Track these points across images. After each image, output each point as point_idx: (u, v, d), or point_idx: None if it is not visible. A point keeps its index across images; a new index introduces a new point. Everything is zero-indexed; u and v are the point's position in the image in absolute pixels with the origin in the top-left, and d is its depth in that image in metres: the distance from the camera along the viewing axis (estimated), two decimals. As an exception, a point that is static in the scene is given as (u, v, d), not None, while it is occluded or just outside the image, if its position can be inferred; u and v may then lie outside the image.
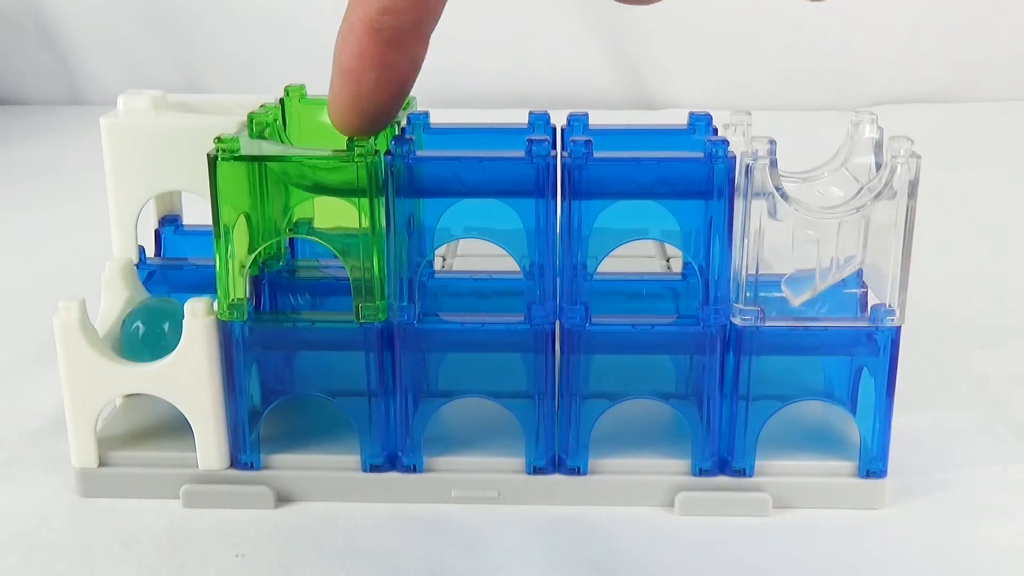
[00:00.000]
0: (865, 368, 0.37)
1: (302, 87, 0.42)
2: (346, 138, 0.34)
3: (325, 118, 0.33)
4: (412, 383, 0.37)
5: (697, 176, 0.34)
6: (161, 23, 1.01)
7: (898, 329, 0.36)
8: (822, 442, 0.39)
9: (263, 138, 0.37)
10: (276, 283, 0.40)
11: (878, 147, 0.38)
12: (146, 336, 0.38)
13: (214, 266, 0.35)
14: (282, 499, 0.38)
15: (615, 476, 0.37)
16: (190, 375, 0.36)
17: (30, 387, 0.46)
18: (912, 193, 0.34)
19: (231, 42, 1.01)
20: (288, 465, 0.38)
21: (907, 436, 0.41)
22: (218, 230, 0.35)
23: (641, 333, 0.36)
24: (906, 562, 0.35)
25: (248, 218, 0.35)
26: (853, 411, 0.38)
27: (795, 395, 0.38)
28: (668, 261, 0.50)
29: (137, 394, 0.39)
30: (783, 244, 0.35)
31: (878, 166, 0.37)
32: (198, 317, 0.36)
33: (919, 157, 0.34)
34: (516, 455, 0.37)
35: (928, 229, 0.41)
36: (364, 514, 0.37)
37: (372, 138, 0.34)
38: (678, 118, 0.41)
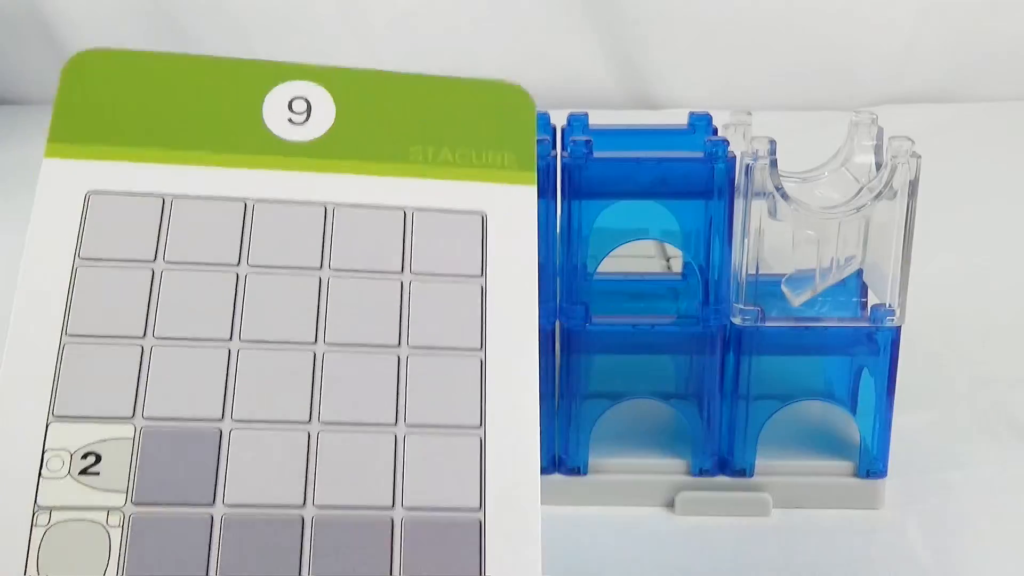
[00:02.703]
0: (865, 368, 0.37)
1: (302, 87, 0.42)
2: None
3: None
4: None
5: (697, 176, 0.34)
6: (161, 23, 1.01)
7: (898, 329, 0.36)
8: (822, 442, 0.39)
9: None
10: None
11: (878, 147, 0.38)
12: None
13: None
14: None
15: (615, 476, 0.37)
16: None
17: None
18: (912, 193, 0.34)
19: (231, 42, 1.01)
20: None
21: (907, 436, 0.41)
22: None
23: (641, 333, 0.36)
24: (906, 562, 0.35)
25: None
26: (853, 411, 0.38)
27: (795, 395, 0.38)
28: (668, 261, 0.50)
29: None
30: (783, 244, 0.35)
31: (878, 166, 0.37)
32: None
33: (919, 157, 0.34)
34: (516, 455, 0.37)
35: (928, 229, 0.41)
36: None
37: None
38: (678, 118, 0.41)
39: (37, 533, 0.22)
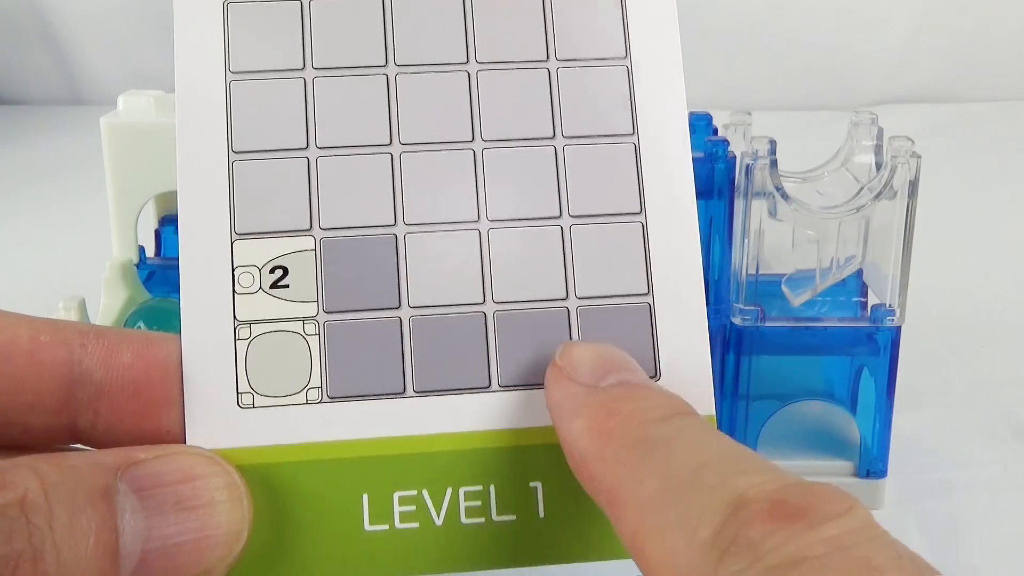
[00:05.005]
0: (865, 368, 0.37)
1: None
2: None
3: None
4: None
5: (697, 176, 0.34)
6: (161, 23, 1.01)
7: (898, 329, 0.36)
8: (822, 442, 0.39)
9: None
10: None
11: (878, 147, 0.38)
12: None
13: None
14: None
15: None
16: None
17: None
18: (912, 193, 0.34)
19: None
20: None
21: (907, 436, 0.41)
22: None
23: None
24: (906, 562, 0.35)
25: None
26: (853, 411, 0.38)
27: (795, 395, 0.38)
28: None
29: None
30: (783, 244, 0.35)
31: (878, 166, 0.37)
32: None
33: (919, 157, 0.34)
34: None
35: (928, 229, 0.41)
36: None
37: None
38: (678, 118, 0.41)
39: (241, 346, 0.23)
